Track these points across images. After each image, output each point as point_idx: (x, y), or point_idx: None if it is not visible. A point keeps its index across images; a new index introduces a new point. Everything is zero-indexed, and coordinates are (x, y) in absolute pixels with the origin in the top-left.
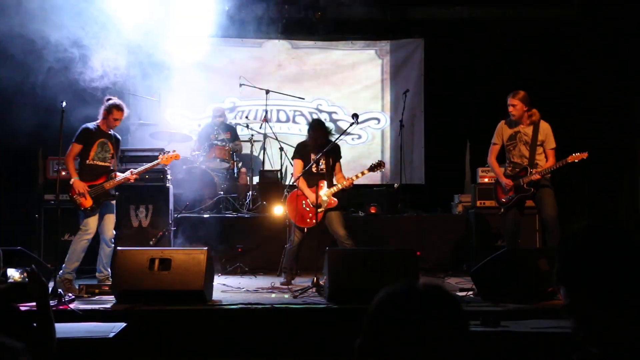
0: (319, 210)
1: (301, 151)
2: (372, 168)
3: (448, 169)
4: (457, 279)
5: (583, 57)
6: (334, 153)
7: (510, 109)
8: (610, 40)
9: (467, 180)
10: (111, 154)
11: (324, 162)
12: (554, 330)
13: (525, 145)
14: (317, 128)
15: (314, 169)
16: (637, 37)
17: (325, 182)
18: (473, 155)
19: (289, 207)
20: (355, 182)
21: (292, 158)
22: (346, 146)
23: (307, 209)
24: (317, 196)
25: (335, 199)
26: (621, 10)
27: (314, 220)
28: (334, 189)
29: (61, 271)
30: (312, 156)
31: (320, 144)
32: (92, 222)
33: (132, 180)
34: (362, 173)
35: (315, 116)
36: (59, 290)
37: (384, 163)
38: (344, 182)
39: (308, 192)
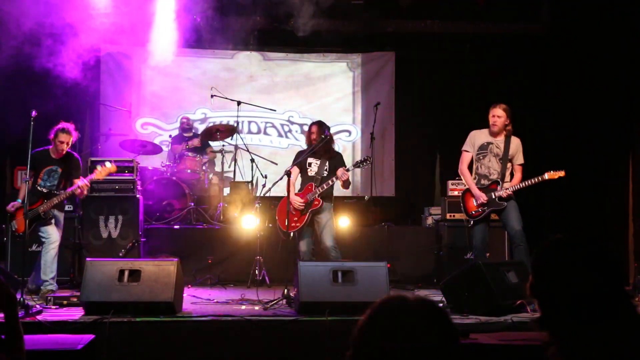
0: (304, 212)
1: (296, 157)
2: (357, 164)
3: (418, 182)
4: (427, 291)
5: (552, 71)
6: (336, 159)
7: (495, 119)
8: (579, 55)
9: (437, 193)
10: (61, 180)
11: (317, 165)
12: (521, 343)
13: (496, 158)
14: (314, 128)
15: (308, 173)
16: (606, 51)
17: (313, 185)
18: (443, 167)
19: (279, 216)
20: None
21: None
22: None
23: (293, 212)
24: (289, 189)
25: (320, 200)
26: (590, 24)
27: (299, 224)
28: (319, 190)
29: (42, 285)
30: (309, 159)
31: (313, 143)
32: (52, 229)
33: (77, 192)
34: (347, 170)
35: (286, 128)
36: (38, 302)
37: (369, 157)
38: (331, 179)
39: (291, 195)
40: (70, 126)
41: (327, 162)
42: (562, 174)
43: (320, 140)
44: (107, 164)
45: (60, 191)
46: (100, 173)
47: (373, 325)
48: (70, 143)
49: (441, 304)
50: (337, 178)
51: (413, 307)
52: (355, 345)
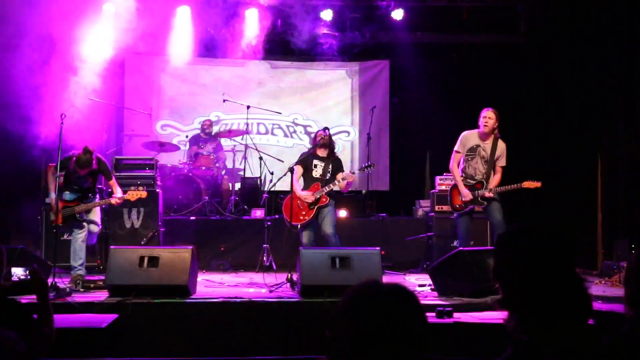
0: (312, 207)
1: (302, 158)
2: (363, 168)
3: (410, 177)
4: (417, 276)
5: (530, 80)
6: (337, 163)
7: (485, 120)
8: (554, 64)
9: (427, 187)
10: (88, 179)
11: (322, 167)
12: (500, 322)
13: (482, 160)
14: (321, 133)
15: (313, 174)
16: (581, 61)
17: (320, 185)
18: (433, 164)
19: (285, 210)
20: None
21: (295, 164)
22: None
23: (301, 207)
24: (293, 186)
25: (327, 197)
26: (565, 35)
27: (307, 217)
28: (326, 188)
29: (72, 271)
30: (315, 161)
31: (322, 145)
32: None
33: (112, 203)
34: (353, 173)
35: (291, 129)
36: (69, 286)
37: (374, 163)
38: (337, 182)
39: (299, 191)
40: (86, 156)
41: (330, 165)
42: (538, 184)
43: (320, 139)
44: (141, 190)
45: (96, 198)
46: (132, 195)
47: (350, 308)
48: (92, 166)
49: (429, 287)
50: (340, 180)
51: (385, 291)
52: (334, 326)
